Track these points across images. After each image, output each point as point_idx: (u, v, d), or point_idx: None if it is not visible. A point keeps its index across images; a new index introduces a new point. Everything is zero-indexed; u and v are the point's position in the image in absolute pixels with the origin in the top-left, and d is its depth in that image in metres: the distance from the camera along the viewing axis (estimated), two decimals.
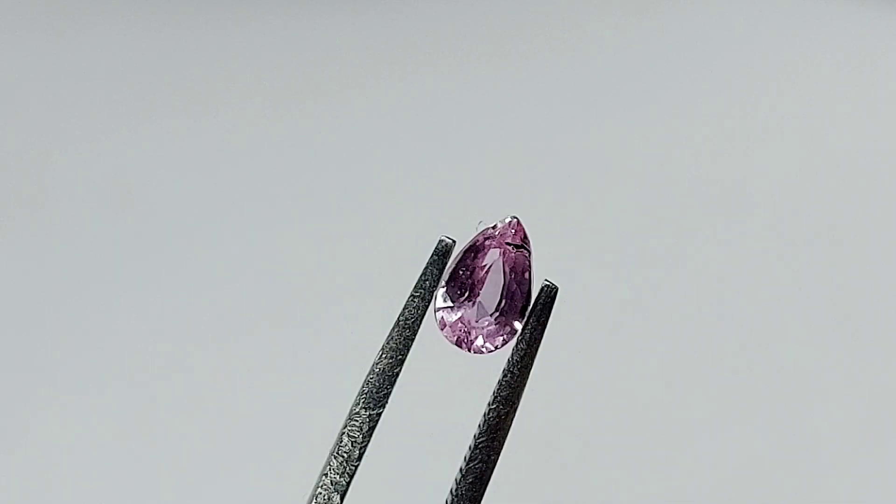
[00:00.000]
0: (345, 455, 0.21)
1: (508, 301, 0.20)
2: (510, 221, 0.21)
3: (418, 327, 0.21)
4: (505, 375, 0.20)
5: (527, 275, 0.20)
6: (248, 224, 0.49)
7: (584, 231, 0.49)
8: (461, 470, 0.20)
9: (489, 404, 0.20)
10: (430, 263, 0.21)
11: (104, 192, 0.50)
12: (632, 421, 0.42)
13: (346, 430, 0.21)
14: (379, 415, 0.21)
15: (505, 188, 0.51)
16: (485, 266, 0.20)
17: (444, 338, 0.21)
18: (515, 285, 0.20)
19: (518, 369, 0.20)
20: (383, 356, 0.21)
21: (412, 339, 0.21)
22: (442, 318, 0.21)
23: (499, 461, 0.20)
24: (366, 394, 0.21)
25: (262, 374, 0.43)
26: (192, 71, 0.56)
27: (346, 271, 0.47)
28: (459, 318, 0.20)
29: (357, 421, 0.21)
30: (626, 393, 0.43)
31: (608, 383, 0.44)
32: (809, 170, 0.52)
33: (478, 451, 0.20)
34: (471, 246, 0.21)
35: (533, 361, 0.20)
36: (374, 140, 0.53)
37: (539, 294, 0.21)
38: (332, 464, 0.21)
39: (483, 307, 0.20)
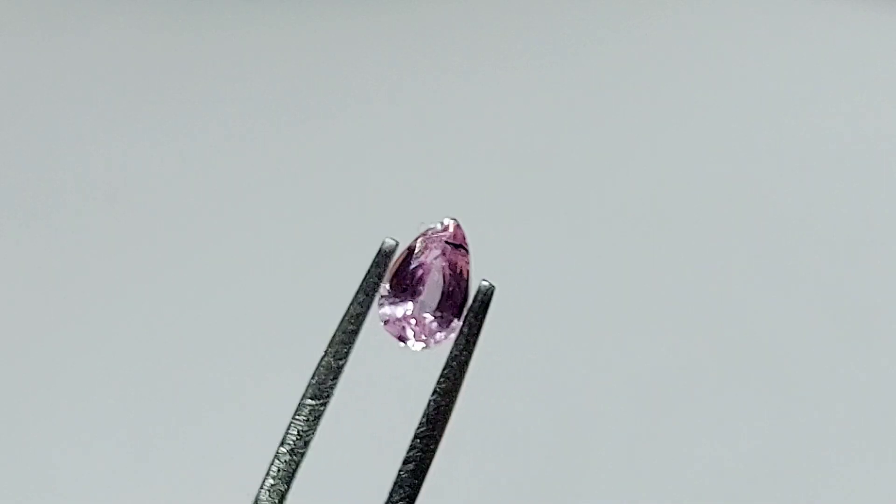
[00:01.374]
0: (291, 444, 0.22)
1: (448, 299, 0.21)
2: (450, 223, 0.22)
3: (362, 323, 0.22)
4: (445, 369, 0.22)
5: (465, 274, 0.22)
6: (248, 221, 0.49)
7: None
8: (404, 459, 0.21)
9: (430, 396, 0.21)
10: (373, 263, 0.22)
11: (104, 192, 0.50)
12: (615, 421, 0.43)
13: (292, 420, 0.22)
14: (324, 405, 0.22)
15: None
16: (425, 265, 0.22)
17: (387, 333, 0.22)
18: (454, 284, 0.22)
19: (457, 364, 0.22)
20: (328, 350, 0.22)
21: (356, 335, 0.22)
22: (384, 314, 0.22)
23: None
24: (312, 386, 0.22)
25: (263, 373, 0.43)
26: (192, 71, 0.56)
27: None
28: (401, 315, 0.21)
29: (303, 412, 0.22)
30: (604, 394, 0.44)
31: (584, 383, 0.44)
32: (808, 169, 0.53)
33: (418, 440, 0.21)
34: (412, 246, 0.22)
35: (471, 356, 0.22)
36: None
37: (476, 293, 0.22)
38: (279, 452, 0.22)
39: (424, 304, 0.21)
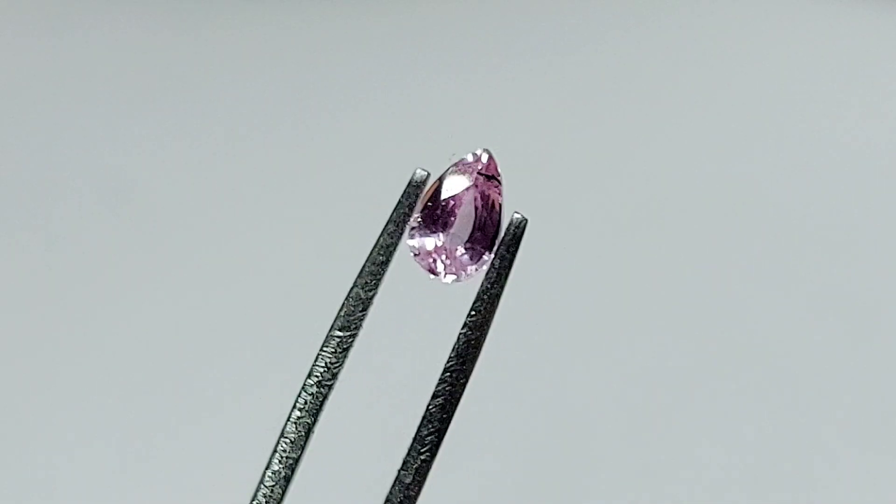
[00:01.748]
0: (318, 376, 0.22)
1: (479, 232, 0.21)
2: (482, 153, 0.21)
3: (392, 255, 0.22)
4: (476, 302, 0.21)
5: (497, 206, 0.21)
6: (246, 221, 0.49)
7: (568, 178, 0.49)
8: (434, 393, 0.21)
9: (460, 329, 0.21)
10: (404, 194, 0.22)
11: (104, 192, 0.50)
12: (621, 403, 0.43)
13: (320, 352, 0.22)
14: (353, 337, 0.22)
15: (480, 124, 0.51)
16: (456, 196, 0.21)
17: (418, 266, 0.21)
18: (486, 216, 0.21)
19: (488, 297, 0.21)
20: (358, 281, 0.22)
21: (386, 266, 0.22)
22: (414, 246, 0.21)
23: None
24: (340, 318, 0.22)
25: (262, 372, 0.43)
26: (192, 71, 0.56)
27: (325, 208, 0.47)
28: (431, 248, 0.21)
29: (331, 344, 0.22)
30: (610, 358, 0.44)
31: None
32: (808, 169, 0.53)
33: (448, 374, 0.21)
34: (443, 176, 0.21)
35: (502, 290, 0.21)
36: (350, 74, 0.53)
37: (508, 225, 0.21)
38: (306, 384, 0.22)
39: (455, 237, 0.21)
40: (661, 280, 0.48)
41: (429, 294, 0.23)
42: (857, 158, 0.53)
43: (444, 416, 0.21)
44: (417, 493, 0.21)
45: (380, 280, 0.22)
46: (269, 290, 0.47)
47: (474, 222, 0.21)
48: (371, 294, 0.22)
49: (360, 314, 0.22)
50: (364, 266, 0.22)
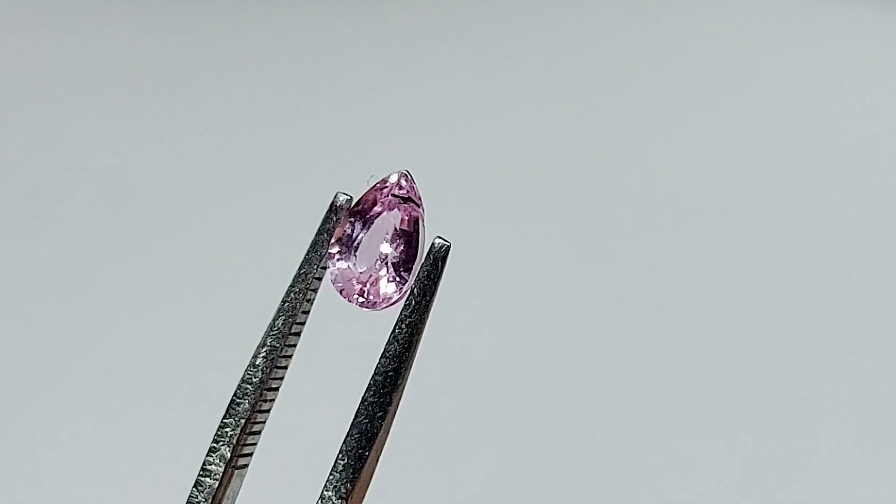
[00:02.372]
0: (243, 407, 0.21)
1: (397, 256, 0.20)
2: (400, 174, 0.20)
3: (316, 283, 0.21)
4: (393, 331, 0.20)
5: (414, 229, 0.20)
6: (246, 221, 0.49)
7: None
8: (350, 424, 0.20)
9: (378, 360, 0.20)
10: (325, 219, 0.21)
11: (104, 192, 0.51)
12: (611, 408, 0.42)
13: (238, 387, 0.21)
14: (277, 370, 0.21)
15: (480, 124, 0.50)
16: (371, 218, 0.20)
17: (335, 291, 0.20)
18: (402, 239, 0.20)
19: (406, 326, 0.20)
20: (279, 315, 0.21)
21: (306, 294, 0.21)
22: (331, 271, 0.20)
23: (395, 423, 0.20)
24: (262, 352, 0.21)
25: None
26: (192, 71, 0.56)
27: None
28: (345, 271, 0.20)
29: (252, 380, 0.21)
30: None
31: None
32: (808, 169, 0.52)
33: (363, 405, 0.20)
34: (359, 199, 0.20)
35: (423, 319, 0.20)
36: (348, 75, 0.53)
37: (429, 251, 0.20)
38: (233, 412, 0.21)
39: (366, 259, 0.20)
40: (660, 280, 0.47)
41: (353, 323, 0.22)
42: (858, 158, 0.52)
43: (361, 451, 0.20)
44: None
45: (305, 310, 0.21)
46: (268, 289, 0.46)
47: (389, 244, 0.20)
48: (297, 329, 0.21)
49: (287, 351, 0.21)
50: (285, 297, 0.21)
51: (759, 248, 0.48)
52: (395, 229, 0.20)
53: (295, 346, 0.21)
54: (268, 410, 0.21)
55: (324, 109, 0.55)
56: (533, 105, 0.55)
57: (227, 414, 0.21)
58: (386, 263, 0.20)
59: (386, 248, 0.20)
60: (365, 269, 0.20)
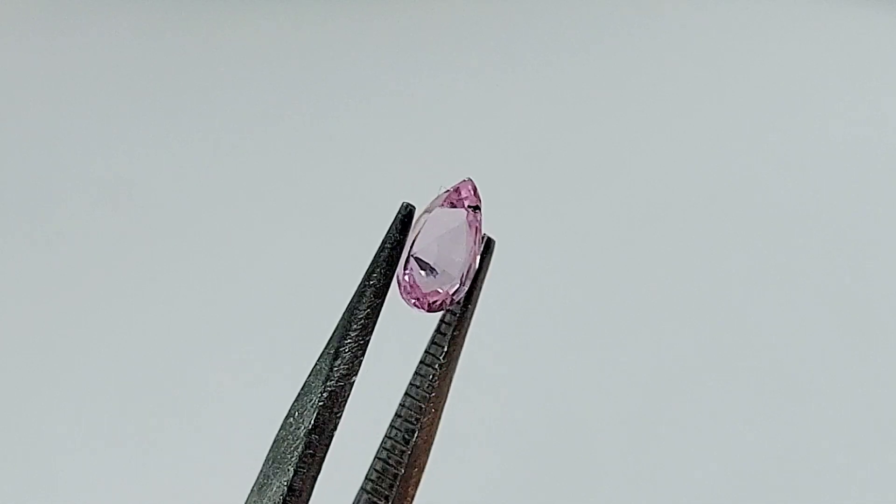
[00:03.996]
0: (322, 428, 0.21)
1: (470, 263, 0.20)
2: (467, 184, 0.20)
3: (378, 308, 0.21)
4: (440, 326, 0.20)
5: (477, 235, 0.20)
6: (245, 221, 0.48)
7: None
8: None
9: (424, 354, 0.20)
10: (391, 228, 0.21)
11: (104, 192, 0.49)
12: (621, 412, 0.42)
13: (321, 402, 0.21)
14: (352, 384, 0.21)
15: (481, 124, 0.50)
16: (450, 233, 0.20)
17: (405, 301, 0.20)
18: (475, 250, 0.20)
19: (458, 319, 0.20)
20: (352, 324, 0.21)
21: (379, 306, 0.21)
22: (406, 283, 0.20)
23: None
24: (341, 363, 0.21)
25: (263, 371, 0.43)
26: (192, 71, 0.57)
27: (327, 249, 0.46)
28: (426, 288, 0.20)
29: (330, 390, 0.21)
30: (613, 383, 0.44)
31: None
32: (808, 169, 0.52)
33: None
34: (432, 210, 0.20)
35: (472, 309, 0.20)
36: (350, 77, 0.53)
37: (484, 248, 0.20)
38: (309, 439, 0.21)
39: (447, 275, 0.20)
40: (661, 280, 0.47)
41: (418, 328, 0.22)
42: (858, 158, 0.52)
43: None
44: None
45: (373, 322, 0.21)
46: (268, 289, 0.46)
47: (465, 259, 0.20)
48: (367, 338, 0.21)
49: (359, 358, 0.21)
50: (348, 319, 0.21)
51: (760, 247, 0.48)
52: (472, 242, 0.20)
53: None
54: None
55: (325, 110, 0.54)
56: (534, 105, 0.55)
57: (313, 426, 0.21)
58: (466, 272, 0.20)
59: (463, 264, 0.20)
60: (441, 280, 0.20)
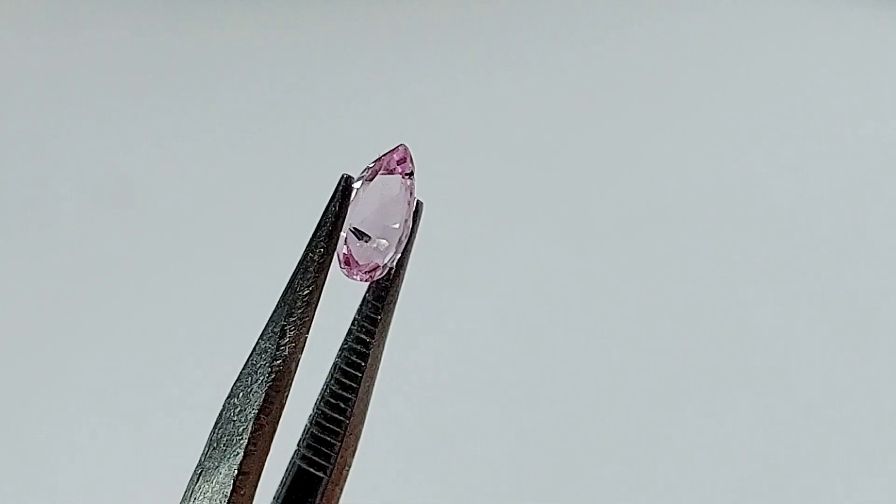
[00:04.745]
0: (269, 409, 0.20)
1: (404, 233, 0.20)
2: (398, 148, 0.20)
3: (327, 268, 0.20)
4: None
5: (412, 201, 0.20)
6: (245, 221, 0.49)
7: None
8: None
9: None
10: (331, 201, 0.20)
11: (104, 192, 0.50)
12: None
13: (268, 382, 0.20)
14: (297, 362, 0.21)
15: (480, 125, 0.50)
16: (388, 200, 0.20)
17: (345, 275, 0.20)
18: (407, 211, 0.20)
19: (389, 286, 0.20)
20: (297, 301, 0.20)
21: (322, 282, 0.20)
22: (343, 252, 0.20)
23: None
24: (286, 342, 0.20)
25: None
26: (192, 71, 0.56)
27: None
28: (360, 252, 0.20)
29: (277, 369, 0.20)
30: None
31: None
32: (808, 169, 0.52)
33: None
34: (371, 180, 0.20)
35: (402, 275, 0.20)
36: (348, 75, 0.53)
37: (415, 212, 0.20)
38: (258, 421, 0.20)
39: (385, 241, 0.20)
40: (661, 280, 0.47)
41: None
42: (858, 158, 0.52)
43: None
44: None
45: (316, 296, 0.21)
46: (269, 290, 0.46)
47: (404, 228, 0.20)
48: (305, 322, 0.21)
49: (303, 338, 0.21)
50: (293, 297, 0.20)
51: (760, 247, 0.48)
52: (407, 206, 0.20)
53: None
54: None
55: (325, 109, 0.54)
56: (533, 106, 0.55)
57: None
58: (399, 241, 0.20)
59: (402, 225, 0.20)
60: (382, 248, 0.20)
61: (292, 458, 0.22)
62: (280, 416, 0.21)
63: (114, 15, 0.59)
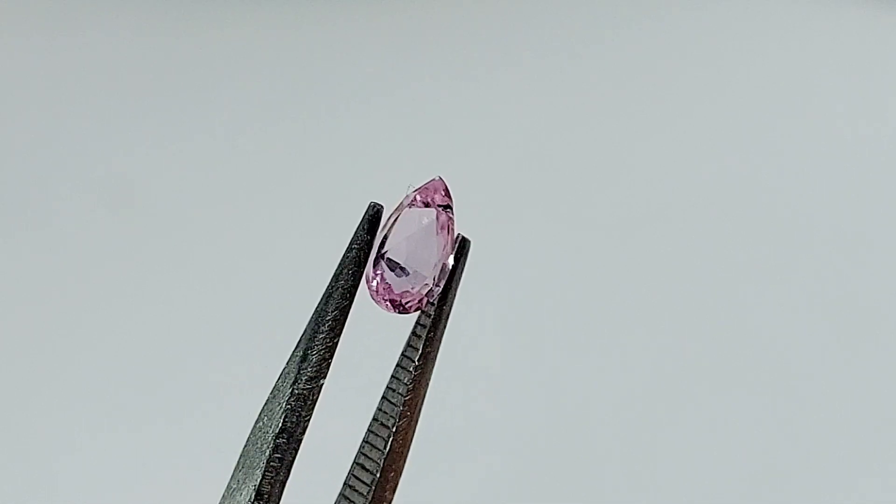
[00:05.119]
0: (290, 431, 0.20)
1: (427, 261, 0.20)
2: (434, 182, 0.20)
3: (351, 297, 0.20)
4: (417, 325, 0.20)
5: (450, 235, 0.20)
6: (245, 222, 0.49)
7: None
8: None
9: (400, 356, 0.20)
10: (359, 228, 0.20)
11: (104, 192, 0.50)
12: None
13: (289, 405, 0.20)
14: (320, 387, 0.20)
15: (481, 124, 0.50)
16: (417, 231, 0.20)
17: (375, 303, 0.20)
18: (446, 247, 0.20)
19: (432, 320, 0.20)
20: (320, 326, 0.20)
21: (345, 309, 0.20)
22: (373, 285, 0.20)
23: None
24: (308, 366, 0.20)
25: (261, 370, 0.43)
26: (192, 71, 0.56)
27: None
28: (397, 288, 0.20)
29: (297, 393, 0.20)
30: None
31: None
32: (808, 169, 0.51)
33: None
34: (401, 209, 0.20)
35: (447, 311, 0.20)
36: (348, 76, 0.52)
37: (458, 248, 0.20)
38: (276, 442, 0.20)
39: (419, 275, 0.20)
40: (660, 279, 0.46)
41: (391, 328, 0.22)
42: (858, 158, 0.52)
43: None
44: None
45: (342, 323, 0.20)
46: (267, 289, 0.46)
47: (438, 258, 0.20)
48: (335, 340, 0.20)
49: (326, 360, 0.21)
50: (316, 322, 0.20)
51: (760, 247, 0.48)
52: (441, 241, 0.20)
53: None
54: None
55: (325, 109, 0.54)
56: (533, 106, 0.55)
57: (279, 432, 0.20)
58: (439, 272, 0.20)
59: (432, 261, 0.20)
60: (411, 281, 0.20)
61: (340, 491, 0.22)
62: (300, 440, 0.21)
63: (114, 15, 0.59)
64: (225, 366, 0.44)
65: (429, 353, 0.21)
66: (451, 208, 0.20)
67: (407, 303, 0.20)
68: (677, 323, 0.45)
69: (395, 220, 0.20)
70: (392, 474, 0.22)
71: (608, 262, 0.48)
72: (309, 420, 0.21)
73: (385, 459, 0.21)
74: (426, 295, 0.20)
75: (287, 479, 0.21)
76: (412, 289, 0.20)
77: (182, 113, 0.54)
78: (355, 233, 0.20)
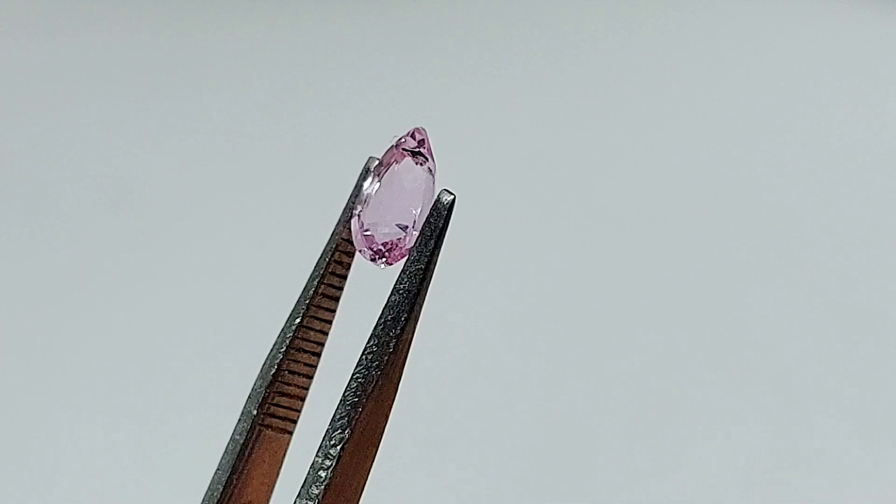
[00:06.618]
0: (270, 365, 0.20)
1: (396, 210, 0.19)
2: (414, 129, 0.19)
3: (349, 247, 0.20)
4: (396, 282, 0.19)
5: (432, 184, 0.19)
6: (245, 222, 0.48)
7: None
8: (351, 375, 0.19)
9: (382, 310, 0.19)
10: (357, 184, 0.20)
11: (104, 192, 0.50)
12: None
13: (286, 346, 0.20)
14: (318, 341, 0.20)
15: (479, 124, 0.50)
16: (382, 173, 0.19)
17: (360, 253, 0.20)
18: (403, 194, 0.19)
19: (409, 275, 0.19)
20: (321, 279, 0.20)
21: (338, 256, 0.20)
22: (354, 229, 0.19)
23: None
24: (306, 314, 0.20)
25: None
26: (192, 71, 0.57)
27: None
28: (358, 229, 0.19)
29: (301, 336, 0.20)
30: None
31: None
32: (808, 169, 0.52)
33: (364, 357, 0.19)
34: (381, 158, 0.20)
35: (428, 269, 0.19)
36: (349, 76, 0.52)
37: (435, 202, 0.19)
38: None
39: (386, 215, 0.19)
40: (660, 279, 0.46)
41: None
42: (858, 158, 0.52)
43: (356, 399, 0.19)
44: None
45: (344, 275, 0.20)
46: (270, 291, 0.46)
47: (417, 205, 0.19)
48: (337, 293, 0.20)
49: (329, 314, 0.20)
50: (322, 261, 0.20)
51: (761, 248, 0.48)
52: (411, 185, 0.19)
53: (333, 310, 0.20)
54: (305, 375, 0.21)
55: (325, 109, 0.54)
56: (534, 106, 0.55)
57: (259, 374, 0.20)
58: (412, 221, 0.19)
59: (410, 206, 0.19)
60: (387, 227, 0.19)
61: None
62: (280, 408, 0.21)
63: (114, 15, 0.59)
64: (225, 365, 0.44)
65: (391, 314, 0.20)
66: (424, 155, 0.19)
67: (388, 250, 0.19)
68: (677, 323, 0.45)
69: (375, 172, 0.19)
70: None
71: (608, 261, 0.48)
72: (277, 390, 0.20)
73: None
74: (405, 240, 0.19)
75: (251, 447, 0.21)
76: (392, 236, 0.19)
77: (181, 113, 0.54)
78: (355, 186, 0.20)
